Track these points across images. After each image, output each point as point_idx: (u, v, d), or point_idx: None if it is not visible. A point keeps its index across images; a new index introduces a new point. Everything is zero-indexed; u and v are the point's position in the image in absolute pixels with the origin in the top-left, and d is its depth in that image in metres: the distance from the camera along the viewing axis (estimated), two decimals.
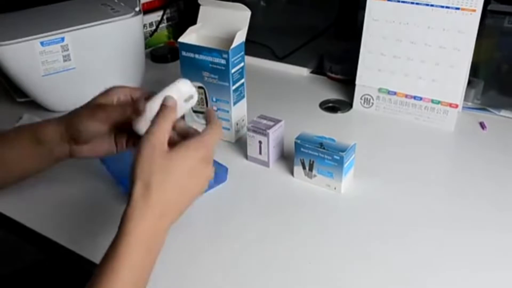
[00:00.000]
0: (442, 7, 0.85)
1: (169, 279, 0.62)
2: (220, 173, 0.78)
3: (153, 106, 0.59)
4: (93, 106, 0.65)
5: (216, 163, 0.79)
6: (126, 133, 0.67)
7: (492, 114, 0.95)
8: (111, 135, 0.67)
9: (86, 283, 0.51)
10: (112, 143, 0.68)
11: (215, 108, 0.87)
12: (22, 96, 0.99)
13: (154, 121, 0.57)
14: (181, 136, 0.61)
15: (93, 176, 0.80)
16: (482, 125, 0.92)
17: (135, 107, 0.62)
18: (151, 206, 0.53)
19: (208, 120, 0.61)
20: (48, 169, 0.72)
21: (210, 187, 0.77)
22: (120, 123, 0.65)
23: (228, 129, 0.87)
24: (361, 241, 0.67)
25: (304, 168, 0.77)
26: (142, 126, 0.60)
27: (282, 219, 0.71)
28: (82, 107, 0.67)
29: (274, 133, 0.79)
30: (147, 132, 0.56)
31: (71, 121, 0.66)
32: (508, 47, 0.94)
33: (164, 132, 0.56)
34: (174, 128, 0.60)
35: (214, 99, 0.86)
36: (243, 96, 0.88)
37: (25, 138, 0.69)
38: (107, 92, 0.67)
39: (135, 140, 0.65)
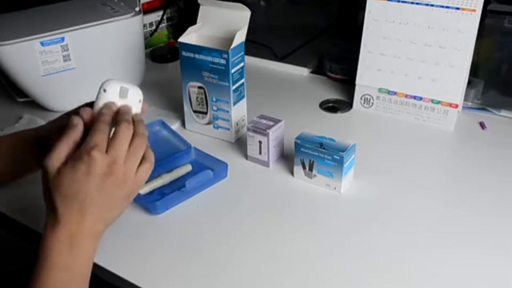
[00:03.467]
0: (442, 7, 0.85)
1: (166, 274, 0.62)
2: (220, 169, 0.78)
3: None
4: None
5: (216, 160, 0.79)
6: None
7: (492, 114, 0.95)
8: None
9: None
10: None
11: (215, 108, 0.87)
12: (22, 96, 0.99)
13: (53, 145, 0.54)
14: None
15: None
16: (482, 125, 0.92)
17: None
18: (58, 215, 0.53)
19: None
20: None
21: (211, 183, 0.77)
22: None
23: (228, 129, 0.88)
24: (360, 241, 0.67)
25: (304, 168, 0.77)
26: None
27: (282, 219, 0.71)
28: (57, 128, 0.64)
29: (274, 133, 0.79)
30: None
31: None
32: (508, 47, 0.94)
33: (57, 151, 0.53)
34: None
35: (214, 99, 0.86)
36: (243, 96, 0.88)
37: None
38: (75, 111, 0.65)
39: None
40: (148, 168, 0.56)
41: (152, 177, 0.76)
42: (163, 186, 0.76)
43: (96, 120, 0.54)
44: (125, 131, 0.54)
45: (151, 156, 0.56)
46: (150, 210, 0.72)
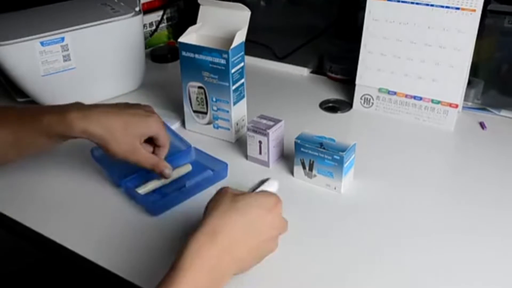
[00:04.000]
0: (442, 7, 0.85)
1: (161, 267, 0.62)
2: (220, 169, 0.78)
3: None
4: (129, 143, 0.70)
5: (216, 160, 0.79)
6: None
7: (492, 114, 0.95)
8: None
9: None
10: None
11: (215, 108, 0.87)
12: (22, 96, 0.99)
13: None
14: None
15: (93, 178, 0.80)
16: (482, 125, 0.92)
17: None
18: (214, 242, 0.53)
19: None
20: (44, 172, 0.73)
21: (211, 183, 0.77)
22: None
23: (228, 129, 0.87)
24: (360, 241, 0.67)
25: (304, 168, 0.77)
26: None
27: None
28: (117, 129, 0.69)
29: (274, 133, 0.79)
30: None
31: (105, 147, 0.69)
32: (508, 47, 0.94)
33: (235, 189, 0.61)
34: None
35: (214, 99, 0.86)
36: (243, 96, 0.88)
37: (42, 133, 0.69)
38: (148, 123, 0.72)
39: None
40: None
41: (152, 178, 0.76)
42: (162, 187, 0.76)
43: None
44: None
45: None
46: (150, 211, 0.72)
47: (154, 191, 0.76)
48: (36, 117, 0.68)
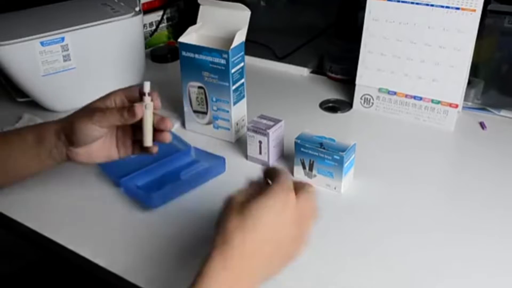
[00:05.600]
0: (442, 7, 0.85)
1: (166, 273, 0.62)
2: (217, 165, 0.78)
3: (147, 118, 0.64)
4: (91, 109, 0.65)
5: (212, 156, 0.79)
6: (130, 138, 0.69)
7: (492, 114, 0.95)
8: (111, 141, 0.68)
9: None
10: (112, 149, 0.69)
11: (215, 108, 0.87)
12: (22, 96, 0.99)
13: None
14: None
15: (93, 177, 0.80)
16: (482, 125, 0.92)
17: (132, 110, 0.63)
18: (229, 267, 0.48)
19: (274, 174, 0.56)
20: (45, 171, 0.72)
21: (208, 177, 0.78)
22: (120, 128, 0.67)
23: (228, 129, 0.87)
24: (361, 241, 0.67)
25: (304, 168, 0.77)
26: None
27: None
28: (80, 110, 0.67)
29: (274, 133, 0.79)
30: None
31: (68, 123, 0.66)
32: (508, 47, 0.94)
33: (244, 194, 0.54)
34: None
35: (214, 99, 0.86)
36: (243, 96, 0.88)
37: (28, 140, 0.69)
38: (106, 96, 0.67)
39: (140, 145, 0.67)
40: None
41: (152, 174, 0.77)
42: (159, 179, 0.77)
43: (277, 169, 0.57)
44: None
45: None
46: (148, 203, 0.72)
47: (150, 184, 0.76)
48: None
